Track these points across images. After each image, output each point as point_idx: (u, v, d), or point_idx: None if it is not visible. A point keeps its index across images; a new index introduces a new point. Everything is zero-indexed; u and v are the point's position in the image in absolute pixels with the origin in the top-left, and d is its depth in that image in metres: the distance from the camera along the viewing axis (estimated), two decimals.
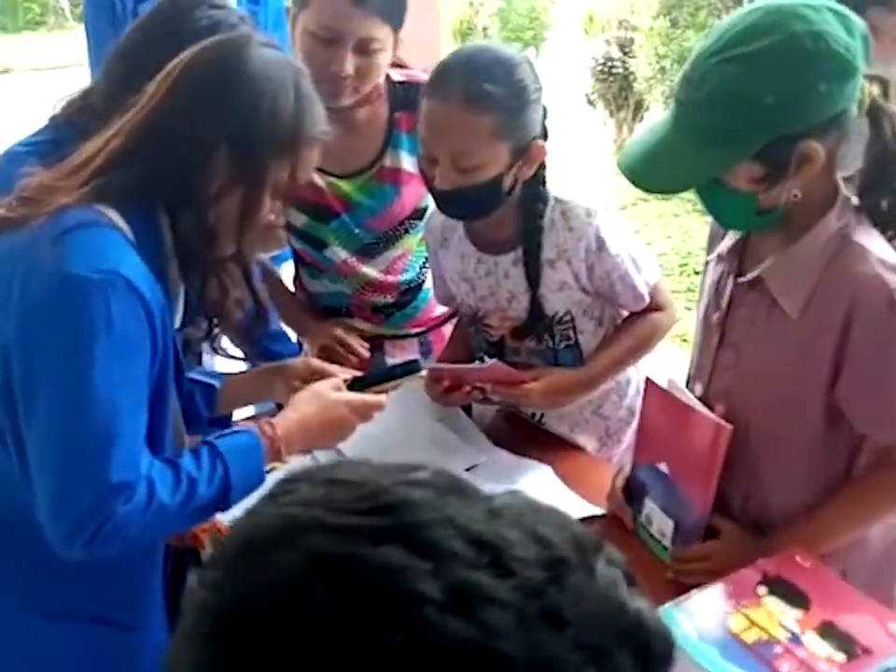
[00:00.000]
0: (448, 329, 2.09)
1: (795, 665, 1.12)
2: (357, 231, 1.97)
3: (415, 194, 1.96)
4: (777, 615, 1.20)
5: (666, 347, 3.10)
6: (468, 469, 1.69)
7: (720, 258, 1.46)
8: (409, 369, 1.58)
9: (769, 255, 1.35)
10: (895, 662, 1.11)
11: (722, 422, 1.37)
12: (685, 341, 3.78)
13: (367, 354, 1.99)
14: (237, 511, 1.19)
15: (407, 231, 2.00)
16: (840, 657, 1.12)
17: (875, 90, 1.26)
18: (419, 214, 1.98)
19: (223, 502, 1.26)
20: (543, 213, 1.70)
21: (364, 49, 1.76)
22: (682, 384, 1.53)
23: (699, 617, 1.20)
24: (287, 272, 2.21)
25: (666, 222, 5.65)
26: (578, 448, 1.84)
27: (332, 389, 1.45)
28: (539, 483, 1.65)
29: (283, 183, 1.30)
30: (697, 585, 1.26)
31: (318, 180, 1.93)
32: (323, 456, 1.62)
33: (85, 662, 1.35)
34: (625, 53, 6.77)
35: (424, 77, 1.77)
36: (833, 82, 1.19)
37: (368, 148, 1.95)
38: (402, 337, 2.11)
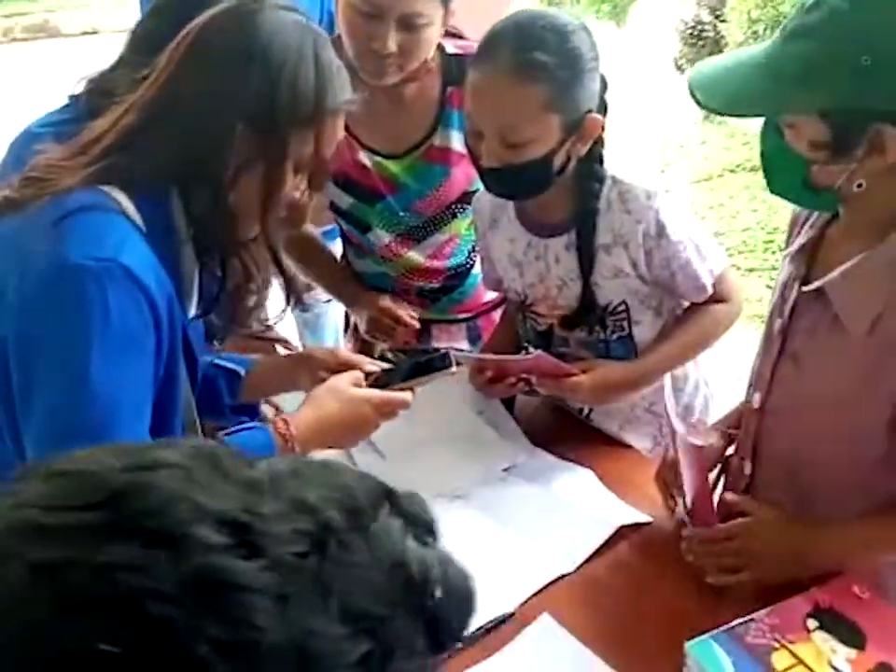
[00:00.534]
0: (498, 315, 2.00)
1: None
2: (402, 213, 1.89)
3: (465, 176, 1.85)
4: (826, 653, 1.09)
5: (742, 329, 2.95)
6: (505, 470, 1.59)
7: (790, 257, 1.34)
8: (439, 364, 1.47)
9: (838, 264, 1.23)
10: None
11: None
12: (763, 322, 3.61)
13: (417, 324, 1.91)
14: None
15: (455, 216, 1.90)
16: None
17: None
18: (468, 197, 1.86)
19: None
20: (599, 193, 1.58)
21: (408, 24, 1.63)
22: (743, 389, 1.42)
23: (738, 651, 1.10)
24: (337, 247, 2.15)
25: (753, 194, 5.36)
26: (626, 447, 1.73)
27: (351, 384, 1.38)
28: (578, 487, 1.55)
29: (306, 158, 1.22)
30: (740, 615, 1.16)
31: (366, 160, 1.84)
32: (358, 453, 1.55)
33: None
34: (716, 17, 6.54)
35: None
36: None
37: (418, 127, 1.84)
38: (450, 322, 2.03)
